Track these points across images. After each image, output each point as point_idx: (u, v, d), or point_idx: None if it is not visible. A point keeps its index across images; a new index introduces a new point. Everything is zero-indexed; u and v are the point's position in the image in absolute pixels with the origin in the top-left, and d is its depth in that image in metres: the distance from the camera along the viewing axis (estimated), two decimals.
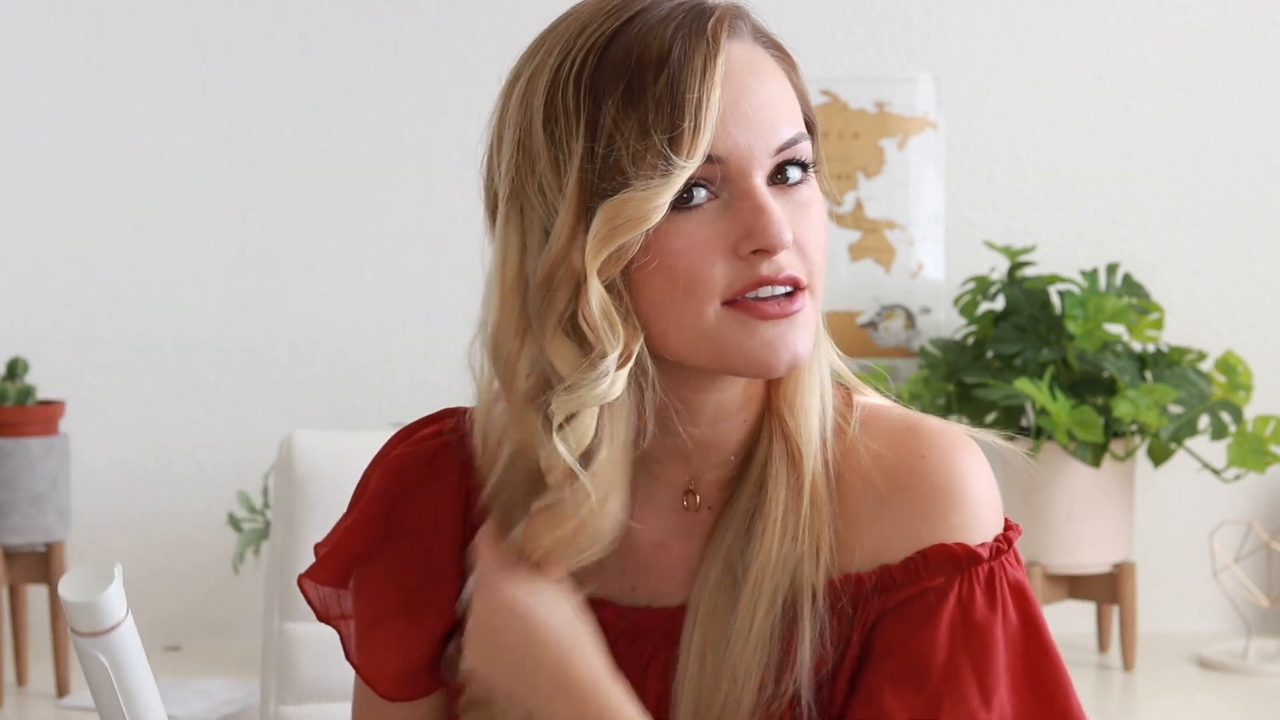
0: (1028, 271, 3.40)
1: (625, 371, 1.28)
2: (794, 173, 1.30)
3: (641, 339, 1.29)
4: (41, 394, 3.34)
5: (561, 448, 1.28)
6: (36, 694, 3.15)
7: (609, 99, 1.26)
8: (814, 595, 1.31)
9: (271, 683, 2.02)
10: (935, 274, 3.51)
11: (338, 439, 2.08)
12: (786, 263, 1.28)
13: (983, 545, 1.32)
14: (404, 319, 3.49)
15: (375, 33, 3.48)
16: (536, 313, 1.29)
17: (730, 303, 1.28)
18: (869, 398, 1.39)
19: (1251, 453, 3.21)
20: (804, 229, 1.30)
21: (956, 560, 1.31)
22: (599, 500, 1.29)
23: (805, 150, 1.31)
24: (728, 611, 1.31)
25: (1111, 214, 3.52)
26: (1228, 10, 3.51)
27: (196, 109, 3.47)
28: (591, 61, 1.27)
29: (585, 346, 1.28)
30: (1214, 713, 3.09)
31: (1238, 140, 3.52)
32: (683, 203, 1.27)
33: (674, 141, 1.25)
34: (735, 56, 1.29)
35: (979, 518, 1.33)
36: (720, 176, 1.28)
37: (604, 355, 1.27)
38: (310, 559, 1.46)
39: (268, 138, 3.48)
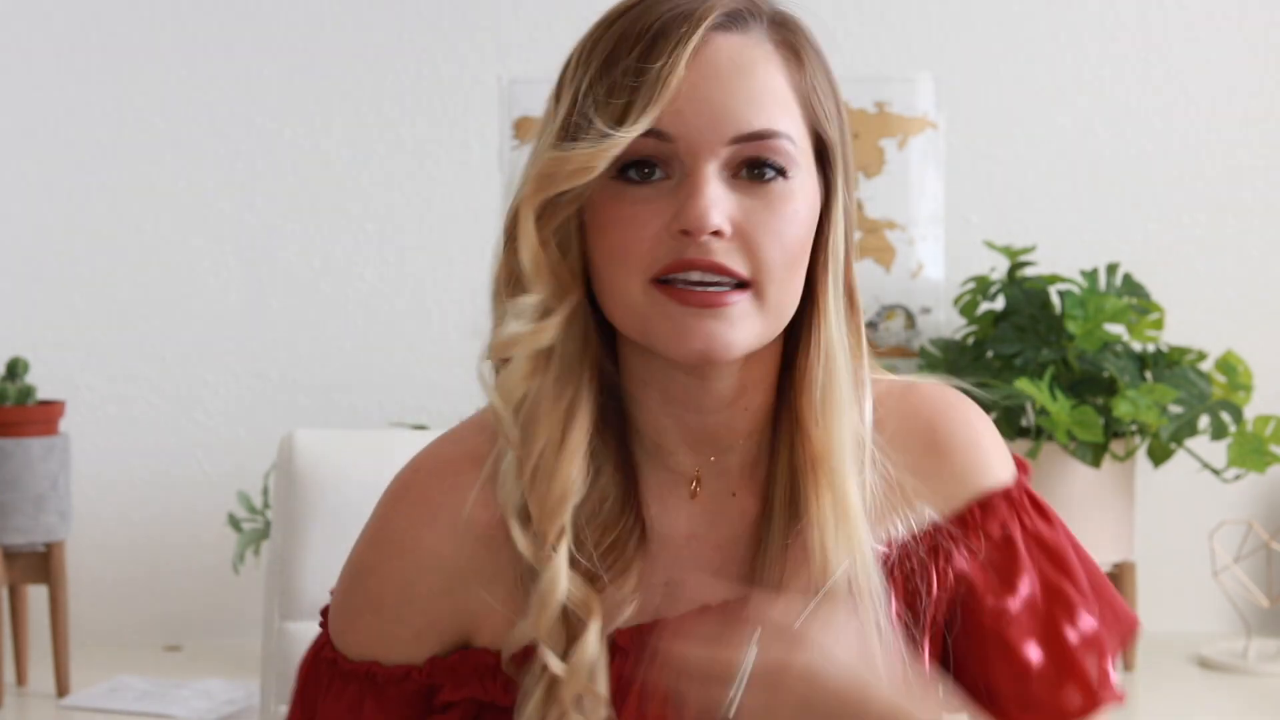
0: (1028, 271, 3.39)
1: (552, 322, 1.30)
2: (767, 170, 1.30)
3: (576, 297, 1.31)
4: (41, 394, 3.34)
5: (495, 395, 1.32)
6: (36, 694, 3.15)
7: (594, 65, 1.30)
8: (873, 598, 1.32)
9: (271, 683, 2.02)
10: (935, 274, 3.51)
11: (338, 439, 2.08)
12: (718, 250, 1.28)
13: (1013, 480, 1.40)
14: (404, 319, 3.49)
15: (375, 33, 3.48)
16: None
17: (659, 282, 1.29)
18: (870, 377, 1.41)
19: (1251, 453, 3.21)
20: (760, 224, 1.29)
21: (1008, 499, 1.39)
22: (521, 443, 1.31)
23: (777, 149, 1.30)
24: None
25: (1111, 214, 3.52)
26: (1228, 10, 3.51)
27: (196, 109, 3.47)
28: (598, 33, 1.32)
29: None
30: (1214, 713, 3.08)
31: (1238, 140, 3.51)
32: (644, 177, 1.29)
33: (622, 111, 1.27)
34: (721, 46, 1.30)
35: (996, 456, 1.41)
36: (672, 156, 1.29)
37: (526, 296, 1.30)
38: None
39: (268, 138, 3.48)
